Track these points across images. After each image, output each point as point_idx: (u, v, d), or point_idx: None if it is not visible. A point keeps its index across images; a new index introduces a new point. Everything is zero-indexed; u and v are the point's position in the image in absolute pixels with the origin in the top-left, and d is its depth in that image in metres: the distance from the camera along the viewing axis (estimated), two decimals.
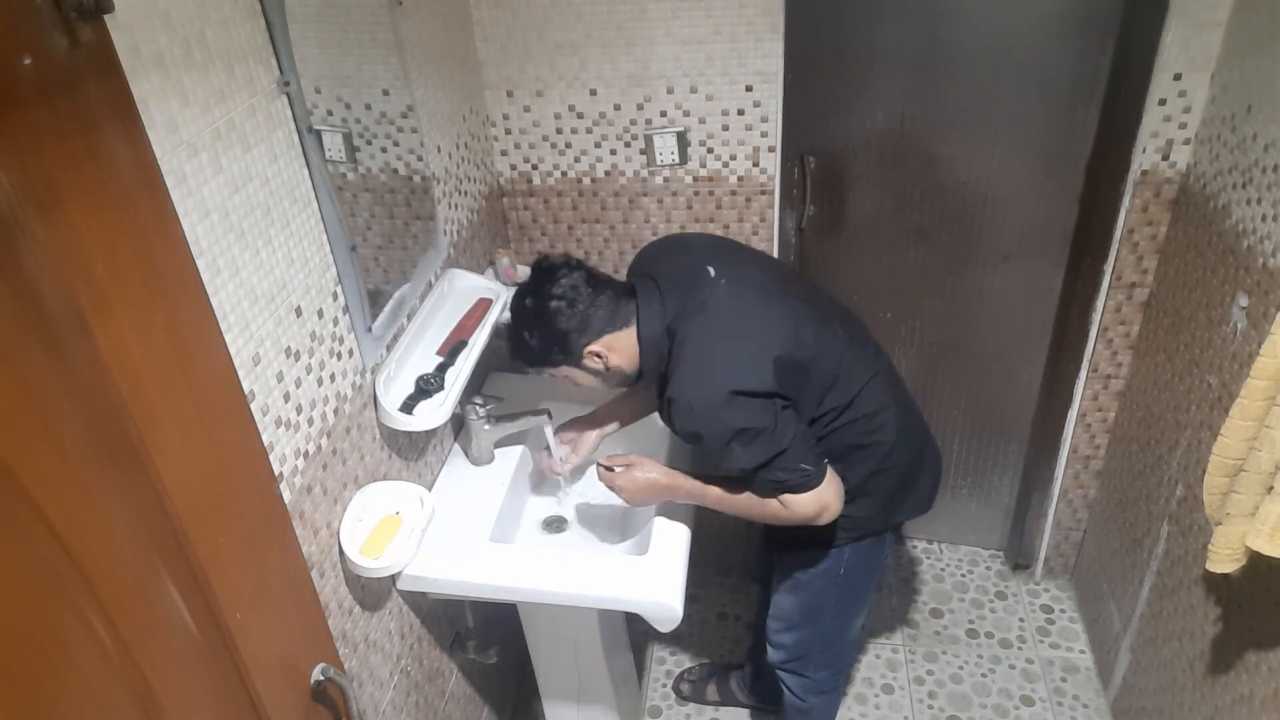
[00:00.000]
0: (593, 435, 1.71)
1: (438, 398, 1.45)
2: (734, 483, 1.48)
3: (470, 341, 1.58)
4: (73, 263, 0.72)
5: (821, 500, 1.42)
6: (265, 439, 1.07)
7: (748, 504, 1.47)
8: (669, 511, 1.60)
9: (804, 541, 1.62)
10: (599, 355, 1.44)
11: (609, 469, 1.54)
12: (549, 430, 1.70)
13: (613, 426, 1.73)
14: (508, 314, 1.81)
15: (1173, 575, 1.81)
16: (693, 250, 1.53)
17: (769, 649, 1.82)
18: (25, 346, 0.68)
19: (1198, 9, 1.64)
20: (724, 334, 1.38)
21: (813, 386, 1.42)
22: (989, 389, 2.29)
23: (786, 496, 1.41)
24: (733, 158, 1.94)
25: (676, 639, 2.40)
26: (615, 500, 1.76)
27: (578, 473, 1.79)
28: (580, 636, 1.77)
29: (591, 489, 1.85)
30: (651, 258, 1.55)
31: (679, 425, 1.39)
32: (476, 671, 1.93)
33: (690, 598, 1.53)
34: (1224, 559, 1.35)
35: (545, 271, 1.44)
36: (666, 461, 1.64)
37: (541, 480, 1.84)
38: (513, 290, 1.85)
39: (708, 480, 1.51)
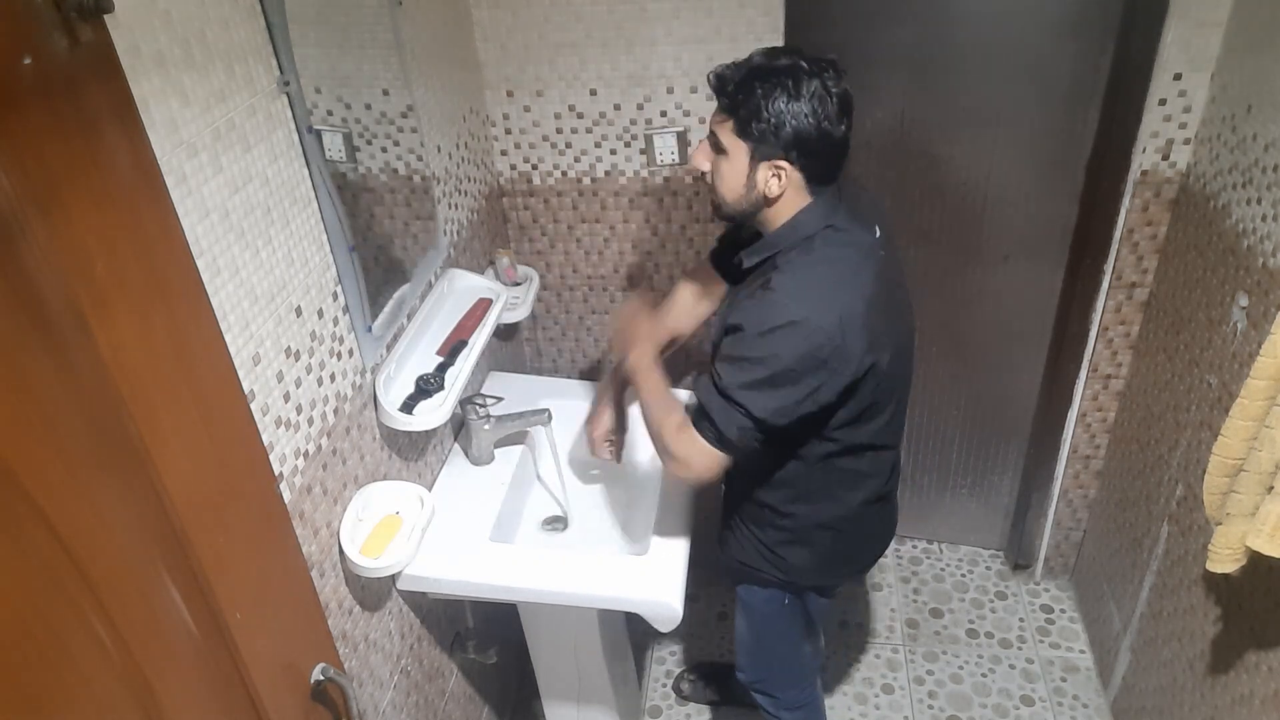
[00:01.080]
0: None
1: (438, 398, 1.45)
2: (666, 392, 1.40)
3: (470, 341, 1.58)
4: (73, 263, 0.72)
5: (698, 458, 1.31)
6: (265, 439, 1.07)
7: (658, 409, 1.38)
8: (669, 511, 1.61)
9: (739, 566, 1.61)
10: (780, 178, 1.25)
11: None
12: (549, 431, 1.70)
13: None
14: (511, 314, 1.80)
15: (1173, 575, 1.81)
16: (876, 206, 1.42)
17: (736, 670, 1.83)
18: (25, 346, 0.68)
19: (1198, 9, 1.64)
20: (845, 282, 1.25)
21: (853, 408, 1.31)
22: (989, 389, 2.29)
23: (690, 425, 1.31)
24: None
25: (676, 639, 2.40)
26: (615, 500, 1.76)
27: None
28: (580, 636, 1.77)
29: (592, 489, 1.85)
30: (852, 184, 1.39)
31: (747, 309, 1.25)
32: (476, 671, 1.93)
33: (690, 598, 1.53)
34: (1224, 559, 1.35)
35: (839, 71, 1.23)
36: (661, 473, 1.65)
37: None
38: (513, 289, 1.86)
39: (657, 384, 1.42)
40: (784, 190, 1.26)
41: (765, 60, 1.23)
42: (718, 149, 1.28)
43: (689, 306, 1.65)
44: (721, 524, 1.64)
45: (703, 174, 1.33)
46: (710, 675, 2.27)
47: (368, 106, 1.39)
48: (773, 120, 1.21)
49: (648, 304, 1.60)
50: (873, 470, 1.46)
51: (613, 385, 1.72)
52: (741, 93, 1.22)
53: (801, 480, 1.44)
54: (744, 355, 1.24)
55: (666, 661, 2.36)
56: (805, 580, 1.59)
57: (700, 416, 1.31)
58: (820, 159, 1.25)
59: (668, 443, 1.35)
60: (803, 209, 1.29)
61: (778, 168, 1.24)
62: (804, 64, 1.21)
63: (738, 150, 1.26)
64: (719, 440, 1.29)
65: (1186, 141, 1.78)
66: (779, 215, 1.30)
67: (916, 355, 2.21)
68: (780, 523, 1.50)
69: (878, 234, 1.33)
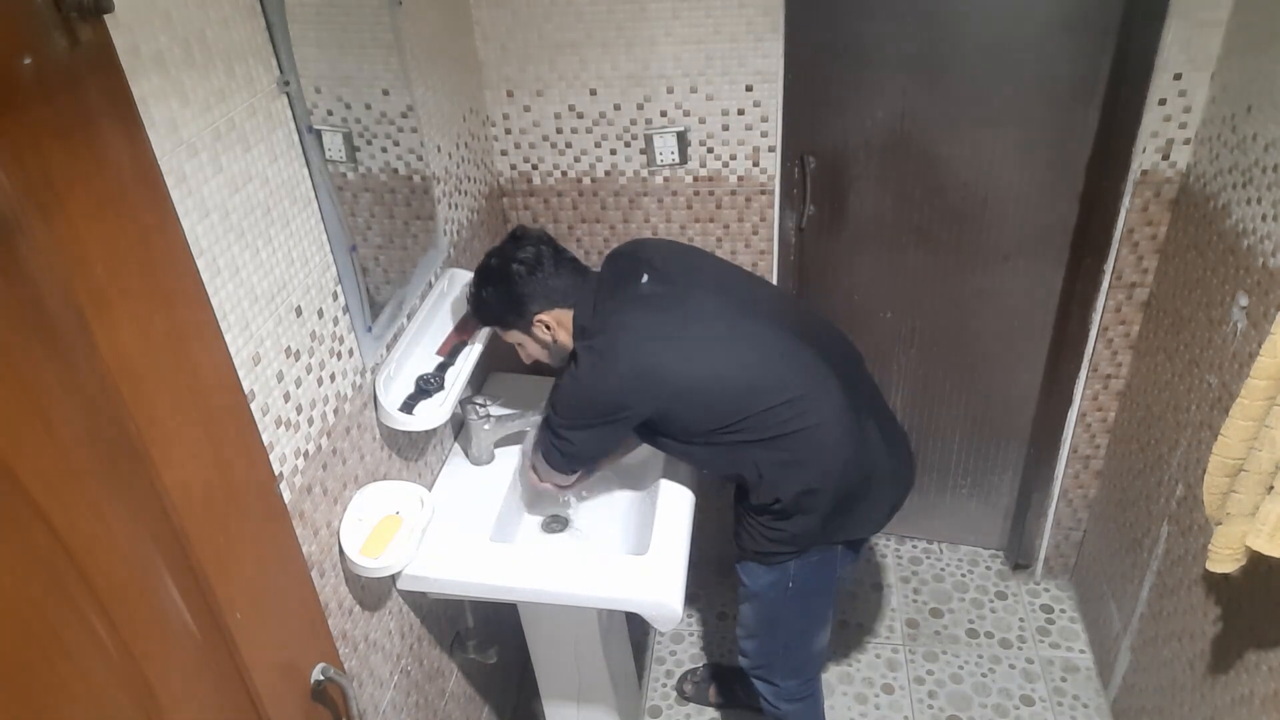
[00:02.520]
0: None
1: (438, 397, 1.45)
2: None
3: (470, 341, 1.58)
4: (73, 263, 0.72)
5: (541, 480, 1.63)
6: (265, 439, 1.07)
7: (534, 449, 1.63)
8: (669, 511, 1.61)
9: (748, 552, 1.65)
10: (548, 326, 1.54)
11: None
12: None
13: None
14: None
15: (1173, 575, 1.81)
16: (641, 251, 1.61)
17: (739, 655, 1.84)
18: (25, 346, 0.68)
19: (1198, 9, 1.64)
20: (629, 333, 1.46)
21: (699, 406, 1.47)
22: (989, 389, 2.29)
23: (537, 459, 1.59)
24: (733, 157, 1.94)
25: (676, 639, 2.40)
26: (615, 500, 1.76)
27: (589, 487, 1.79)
28: (580, 636, 1.77)
29: (592, 489, 1.85)
30: (615, 252, 1.65)
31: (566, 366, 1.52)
32: (476, 671, 1.93)
33: (690, 597, 1.53)
34: (1224, 559, 1.35)
35: (516, 237, 1.55)
36: (661, 473, 1.69)
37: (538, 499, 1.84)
38: None
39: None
40: (560, 326, 1.54)
41: (478, 277, 1.57)
42: (517, 348, 1.63)
43: None
44: (735, 524, 1.68)
45: (532, 359, 1.64)
46: (713, 677, 2.27)
47: (368, 106, 1.39)
48: (509, 305, 1.53)
49: None
50: (802, 424, 1.48)
51: None
52: (474, 309, 1.60)
53: (759, 468, 1.50)
54: (558, 401, 1.53)
55: (666, 661, 2.36)
56: (818, 540, 1.61)
57: (538, 453, 1.59)
58: (546, 289, 1.52)
59: (532, 464, 1.63)
60: (574, 317, 1.55)
61: (537, 322, 1.54)
62: (492, 260, 1.54)
63: (518, 338, 1.59)
64: (550, 469, 1.59)
65: (1186, 141, 1.78)
66: (569, 335, 1.56)
67: (916, 354, 2.24)
68: (772, 507, 1.55)
69: (644, 279, 1.52)
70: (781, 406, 1.47)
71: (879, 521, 1.67)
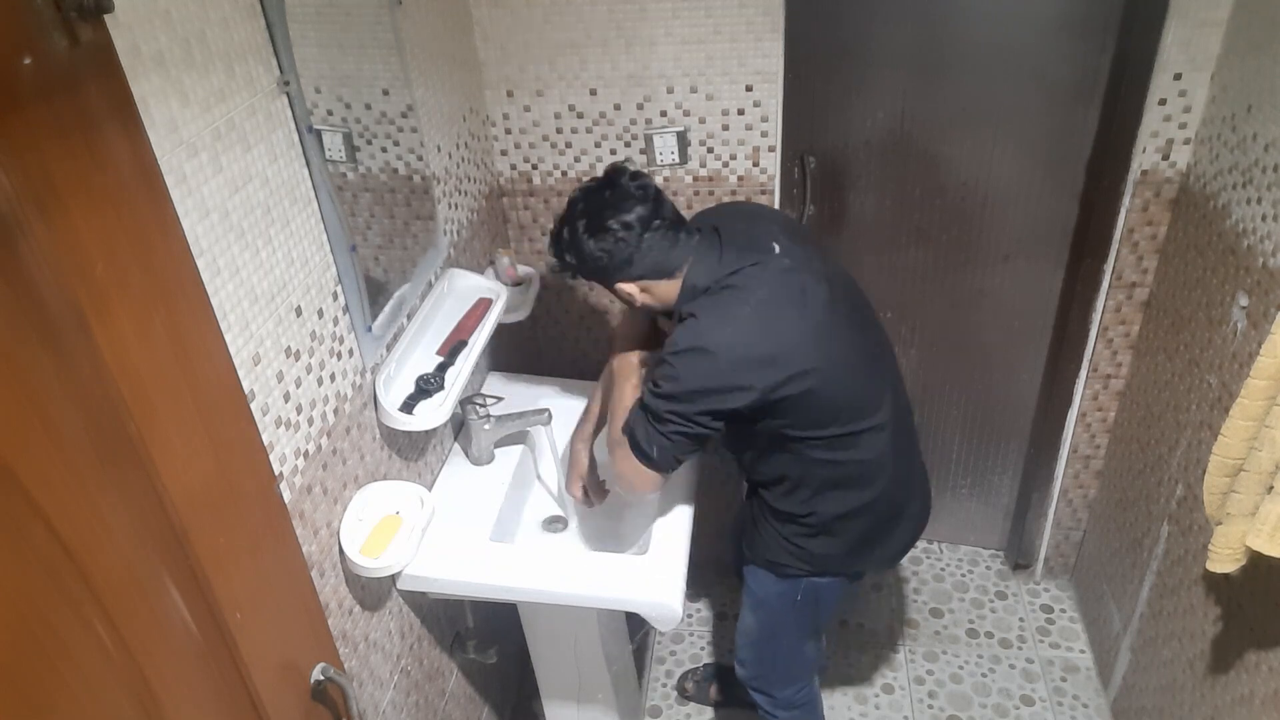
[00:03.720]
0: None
1: (438, 397, 1.45)
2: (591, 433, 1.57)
3: (470, 341, 1.58)
4: (73, 263, 0.72)
5: (634, 475, 1.44)
6: (265, 439, 1.07)
7: (614, 424, 1.48)
8: (669, 511, 1.61)
9: (761, 559, 1.63)
10: (631, 293, 1.44)
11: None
12: (549, 431, 1.70)
13: None
14: (511, 314, 1.82)
15: (1173, 575, 1.81)
16: (763, 218, 1.52)
17: (735, 664, 1.84)
18: (25, 346, 0.68)
19: (1198, 9, 1.64)
20: (758, 311, 1.34)
21: (809, 409, 1.37)
22: (989, 389, 2.29)
23: (626, 443, 1.43)
24: (733, 157, 1.94)
25: (677, 639, 2.40)
26: (615, 500, 1.76)
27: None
28: (580, 636, 1.77)
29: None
30: (718, 214, 1.54)
31: (671, 335, 1.39)
32: (476, 671, 1.93)
33: (690, 597, 1.53)
34: (1224, 559, 1.35)
35: (613, 188, 1.40)
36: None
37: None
38: (513, 289, 1.86)
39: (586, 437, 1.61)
40: (646, 293, 1.44)
41: (566, 227, 1.42)
42: (612, 291, 1.49)
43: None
44: (750, 527, 1.64)
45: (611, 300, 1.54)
46: (714, 676, 2.27)
47: (368, 106, 1.39)
48: (590, 267, 1.42)
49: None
50: (869, 454, 1.46)
51: (588, 423, 1.72)
52: (567, 267, 1.46)
53: (808, 480, 1.46)
54: (656, 377, 1.37)
55: (666, 661, 2.36)
56: (834, 567, 1.60)
57: (631, 439, 1.42)
58: (635, 261, 1.39)
59: (613, 461, 1.47)
60: (682, 287, 1.41)
61: (621, 288, 1.44)
62: (581, 221, 1.39)
63: (601, 286, 1.47)
64: (650, 462, 1.41)
65: (1186, 141, 1.78)
66: (668, 301, 1.45)
67: (916, 354, 2.24)
68: (803, 520, 1.52)
69: (776, 247, 1.41)
70: (869, 432, 1.43)
71: (893, 559, 1.68)
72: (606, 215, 1.38)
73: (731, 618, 2.47)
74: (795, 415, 1.38)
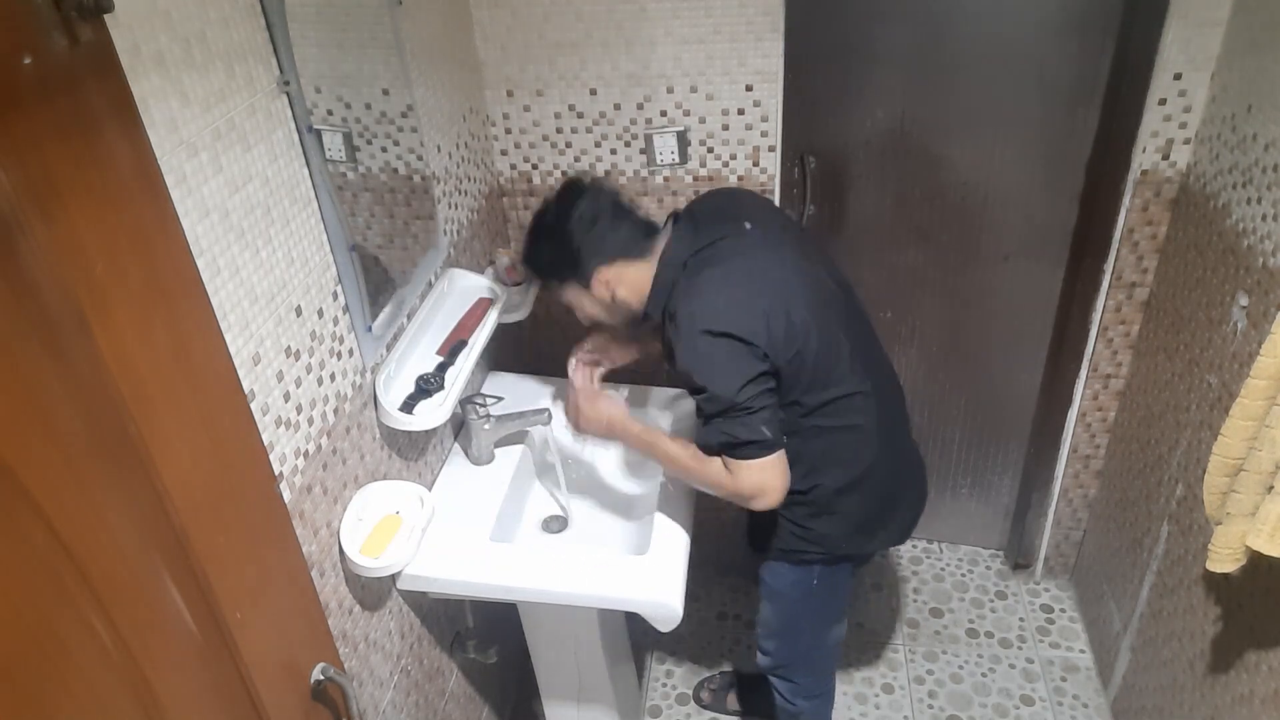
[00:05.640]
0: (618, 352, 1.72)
1: (438, 397, 1.45)
2: (686, 444, 1.46)
3: (470, 341, 1.58)
4: (73, 263, 0.72)
5: (763, 478, 1.37)
6: (265, 438, 1.07)
7: (692, 464, 1.44)
8: (669, 511, 1.60)
9: (773, 550, 1.64)
10: (607, 282, 1.44)
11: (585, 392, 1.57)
12: (549, 431, 1.70)
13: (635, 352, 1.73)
14: (511, 314, 1.81)
15: (1173, 575, 1.81)
16: (736, 201, 1.55)
17: (757, 654, 1.84)
18: (25, 346, 0.68)
19: (1198, 9, 1.64)
20: (739, 275, 1.37)
21: (804, 370, 1.39)
22: (989, 389, 2.29)
23: (732, 462, 1.37)
24: (733, 157, 1.94)
25: (677, 639, 2.40)
26: (615, 500, 1.76)
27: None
28: (580, 636, 1.77)
29: (592, 489, 1.85)
30: (697, 204, 1.57)
31: (672, 339, 1.37)
32: (476, 671, 1.93)
33: (690, 597, 1.53)
34: (1224, 558, 1.35)
35: (572, 188, 1.45)
36: (661, 473, 1.66)
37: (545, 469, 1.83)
38: (513, 289, 1.86)
39: (659, 437, 1.51)
40: (621, 282, 1.44)
41: (533, 229, 1.48)
42: (571, 305, 1.53)
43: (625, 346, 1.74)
44: (757, 521, 1.63)
45: (590, 319, 1.55)
46: (731, 685, 2.26)
47: (368, 106, 1.39)
48: (565, 260, 1.44)
49: (595, 363, 1.70)
50: (859, 419, 1.48)
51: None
52: (527, 263, 1.53)
53: (803, 454, 1.47)
54: (705, 379, 1.34)
55: (666, 661, 2.36)
56: (841, 549, 1.61)
57: (733, 446, 1.36)
58: (606, 242, 1.42)
59: (729, 489, 1.41)
60: (659, 262, 1.43)
61: (597, 279, 1.44)
62: (548, 213, 1.45)
63: (572, 296, 1.50)
64: (766, 445, 1.35)
65: (1186, 141, 1.78)
66: (641, 295, 1.45)
67: (916, 354, 2.24)
68: (804, 499, 1.52)
69: (746, 224, 1.45)
70: (858, 396, 1.45)
71: (900, 535, 1.70)
72: (570, 206, 1.43)
73: (732, 618, 2.47)
74: (795, 369, 1.38)
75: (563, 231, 1.42)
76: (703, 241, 1.42)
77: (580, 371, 1.67)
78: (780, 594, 1.70)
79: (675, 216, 1.50)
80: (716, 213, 1.49)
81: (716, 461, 1.40)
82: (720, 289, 1.36)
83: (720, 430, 1.36)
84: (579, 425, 1.58)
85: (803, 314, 1.37)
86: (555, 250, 1.45)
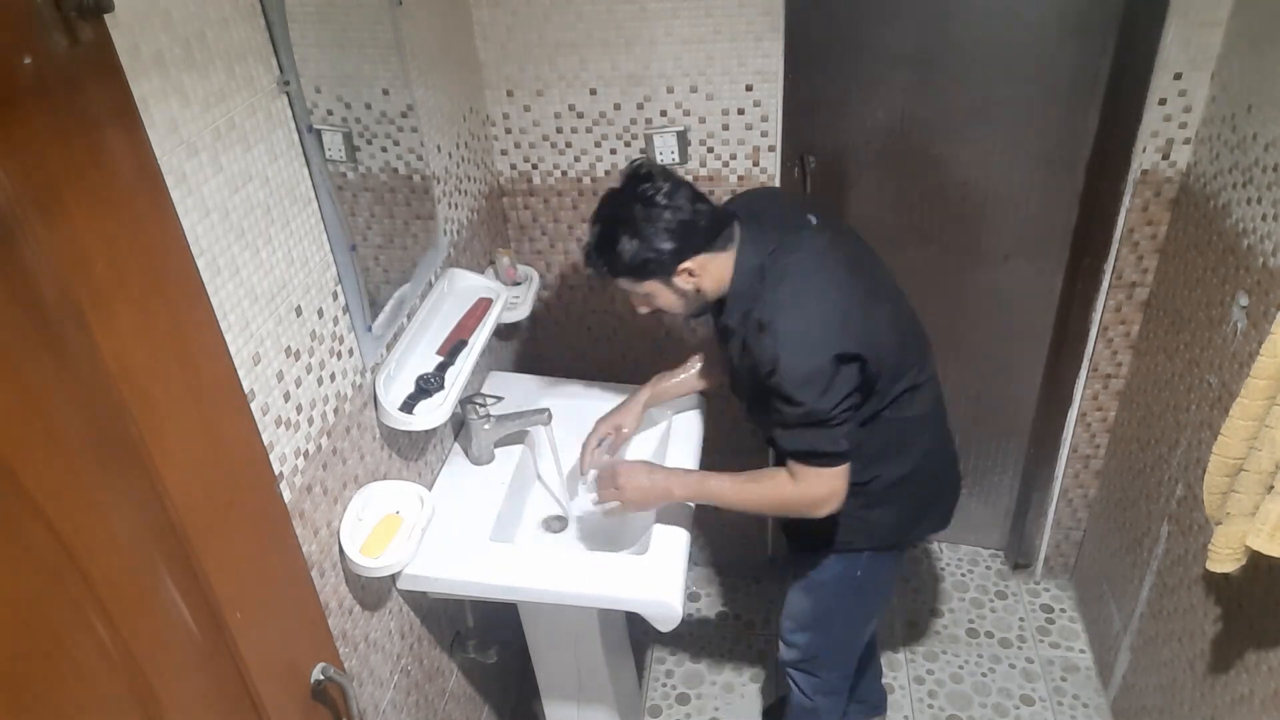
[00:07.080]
0: (631, 418, 1.72)
1: (438, 397, 1.45)
2: (732, 475, 1.48)
3: (470, 341, 1.58)
4: (73, 263, 0.72)
5: (832, 486, 1.39)
6: (265, 438, 1.07)
7: (745, 492, 1.46)
8: (669, 511, 1.60)
9: (823, 543, 1.62)
10: (692, 273, 1.37)
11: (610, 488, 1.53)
12: (549, 431, 1.70)
13: (643, 401, 1.73)
14: (511, 314, 1.80)
15: (1173, 575, 1.81)
16: (793, 199, 1.56)
17: (781, 647, 1.82)
18: (25, 346, 0.68)
19: (1198, 8, 1.64)
20: (826, 282, 1.36)
21: (888, 363, 1.41)
22: (989, 389, 2.29)
23: (803, 469, 1.38)
24: (733, 157, 1.94)
25: (676, 639, 2.40)
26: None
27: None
28: (580, 636, 1.77)
29: (592, 488, 1.85)
30: (747, 199, 1.53)
31: (762, 349, 1.33)
32: (476, 671, 1.93)
33: (690, 597, 1.53)
34: (1224, 558, 1.35)
35: (645, 177, 1.34)
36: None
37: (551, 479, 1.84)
38: (513, 289, 1.86)
39: (704, 475, 1.52)
40: (704, 273, 1.38)
41: (596, 230, 1.38)
42: (641, 300, 1.45)
43: (692, 379, 1.75)
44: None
45: (661, 311, 1.47)
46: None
47: (368, 106, 1.39)
48: (639, 259, 1.35)
49: (624, 432, 1.70)
50: (920, 411, 1.50)
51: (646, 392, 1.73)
52: (605, 261, 1.38)
53: (866, 446, 1.45)
54: (804, 396, 1.32)
55: (666, 661, 2.36)
56: (892, 538, 1.62)
57: (809, 457, 1.38)
58: (692, 233, 1.35)
59: (795, 500, 1.42)
60: (735, 266, 1.39)
61: (682, 271, 1.37)
62: (634, 205, 1.34)
63: (651, 289, 1.41)
64: (841, 456, 1.37)
65: (1186, 141, 1.78)
66: (721, 285, 1.41)
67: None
68: (862, 490, 1.51)
69: (814, 221, 1.44)
70: (926, 385, 1.48)
71: (945, 519, 1.69)
72: (652, 197, 1.33)
73: (733, 617, 2.48)
74: (884, 364, 1.39)
75: (650, 225, 1.32)
76: (772, 242, 1.38)
77: (597, 455, 1.68)
78: (822, 585, 1.68)
79: (731, 213, 1.44)
80: (773, 209, 1.46)
81: (779, 475, 1.41)
82: (815, 305, 1.34)
83: (803, 438, 1.36)
84: (626, 502, 1.52)
85: (887, 308, 1.42)
86: (640, 246, 1.33)
